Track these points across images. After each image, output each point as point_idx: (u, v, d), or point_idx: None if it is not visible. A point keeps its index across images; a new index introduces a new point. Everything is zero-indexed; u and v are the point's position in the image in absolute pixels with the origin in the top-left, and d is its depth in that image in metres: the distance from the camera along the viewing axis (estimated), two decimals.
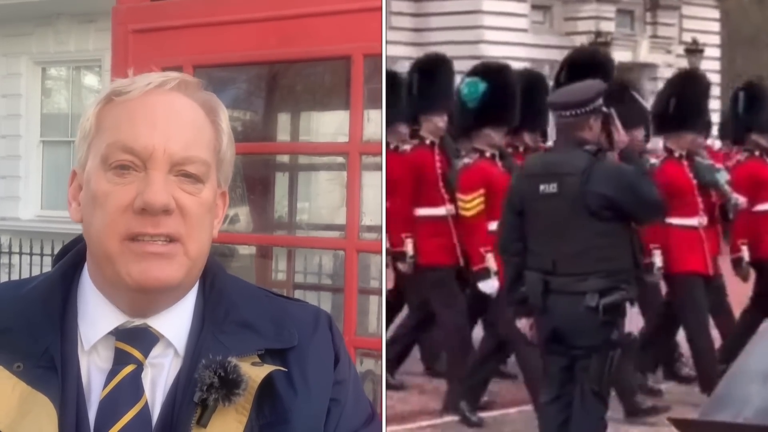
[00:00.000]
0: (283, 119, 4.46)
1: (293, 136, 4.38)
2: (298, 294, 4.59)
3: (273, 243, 4.29)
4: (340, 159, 3.89)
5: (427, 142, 6.83)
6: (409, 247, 6.72)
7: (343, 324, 3.19)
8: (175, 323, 1.62)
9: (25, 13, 12.06)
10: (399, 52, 23.59)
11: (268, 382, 1.57)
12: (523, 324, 4.82)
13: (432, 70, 7.04)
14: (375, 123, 3.42)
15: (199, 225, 1.59)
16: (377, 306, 4.24)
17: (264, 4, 3.34)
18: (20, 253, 11.07)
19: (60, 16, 12.15)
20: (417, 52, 23.71)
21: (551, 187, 4.61)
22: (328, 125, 4.51)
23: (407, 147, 7.09)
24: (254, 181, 4.23)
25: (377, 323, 4.27)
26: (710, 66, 22.83)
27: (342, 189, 3.63)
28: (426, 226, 6.70)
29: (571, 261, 4.55)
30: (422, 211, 6.75)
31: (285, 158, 4.58)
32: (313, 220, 4.91)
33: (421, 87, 6.93)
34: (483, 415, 6.39)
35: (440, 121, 6.80)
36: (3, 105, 12.72)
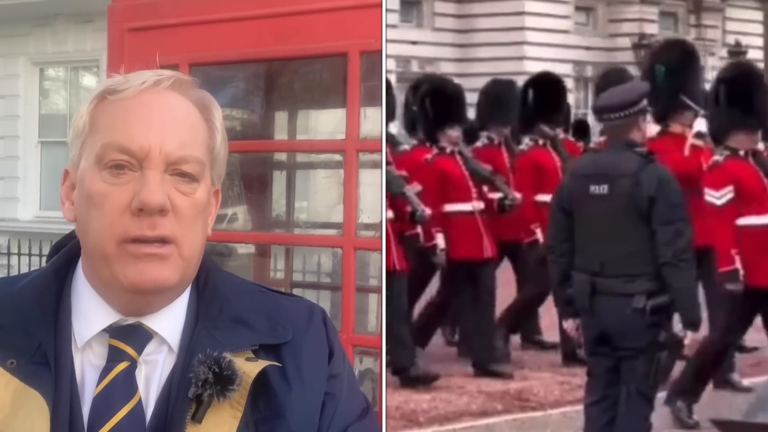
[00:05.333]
0: (281, 118, 4.45)
1: (291, 135, 4.38)
2: (296, 293, 4.59)
3: (271, 241, 4.28)
4: (337, 157, 3.89)
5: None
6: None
7: (341, 322, 3.19)
8: (168, 320, 1.62)
9: (23, 14, 12.07)
10: (442, 53, 23.70)
11: (262, 377, 1.57)
12: (569, 325, 4.83)
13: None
14: (371, 120, 3.42)
15: (192, 226, 1.59)
16: (376, 304, 4.24)
17: (260, 2, 3.33)
18: (19, 254, 11.08)
19: (57, 16, 12.17)
20: (460, 54, 23.87)
21: (602, 189, 4.63)
22: (325, 124, 4.51)
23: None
24: (252, 179, 4.23)
25: (376, 322, 4.27)
26: None
27: (338, 187, 3.63)
28: None
29: (619, 263, 4.56)
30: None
31: (282, 156, 4.58)
32: (311, 219, 4.91)
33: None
34: None
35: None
36: (1, 106, 12.74)
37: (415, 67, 22.62)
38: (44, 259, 8.79)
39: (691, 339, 4.59)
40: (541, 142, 8.15)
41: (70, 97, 12.99)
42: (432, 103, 7.61)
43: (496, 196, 7.63)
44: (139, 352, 1.58)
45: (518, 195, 7.68)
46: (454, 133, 7.51)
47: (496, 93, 8.55)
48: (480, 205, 7.51)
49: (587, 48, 24.88)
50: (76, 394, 1.55)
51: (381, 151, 3.41)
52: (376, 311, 4.24)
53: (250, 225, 4.34)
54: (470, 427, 6.37)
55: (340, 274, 3.36)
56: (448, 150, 7.50)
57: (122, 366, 1.56)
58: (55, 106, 13.22)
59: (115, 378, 1.55)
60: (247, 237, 4.10)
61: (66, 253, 1.67)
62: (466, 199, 7.50)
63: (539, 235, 7.60)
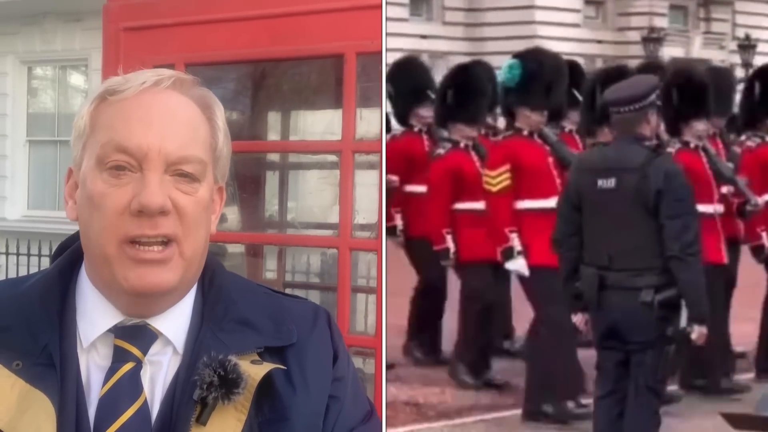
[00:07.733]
0: (273, 118, 4.45)
1: (283, 135, 4.38)
2: (287, 292, 4.59)
3: (268, 242, 4.29)
4: (330, 158, 3.89)
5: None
6: None
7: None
8: (173, 321, 1.62)
9: (11, 12, 12.01)
10: (452, 47, 23.69)
11: (267, 380, 1.57)
12: (578, 319, 4.84)
13: None
14: (367, 121, 3.42)
15: (195, 224, 1.58)
16: (365, 304, 4.25)
17: (256, 2, 3.34)
18: (6, 254, 11.03)
19: (46, 15, 12.10)
20: (470, 47, 23.87)
21: (609, 183, 4.65)
22: (316, 124, 4.51)
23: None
24: (245, 179, 4.23)
25: (365, 322, 4.27)
26: (764, 61, 23.20)
27: (332, 188, 3.63)
28: None
29: (627, 256, 4.58)
30: None
31: (275, 157, 4.58)
32: (304, 219, 4.91)
33: None
34: None
35: None
36: None
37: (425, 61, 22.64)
38: (32, 258, 8.73)
39: (698, 333, 4.59)
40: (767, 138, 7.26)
41: (58, 96, 12.93)
42: (679, 93, 6.77)
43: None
44: (144, 352, 1.58)
45: (760, 200, 7.02)
46: (701, 126, 6.75)
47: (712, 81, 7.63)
48: (720, 208, 6.75)
49: (597, 42, 24.98)
50: (81, 395, 1.55)
51: (376, 152, 3.41)
52: (365, 311, 4.25)
53: (242, 225, 4.34)
54: (480, 420, 6.37)
55: (330, 274, 3.36)
56: (692, 145, 6.73)
57: (127, 367, 1.56)
58: (43, 105, 13.16)
59: (120, 379, 1.55)
60: (243, 237, 4.10)
61: (71, 254, 1.67)
62: (709, 200, 6.63)
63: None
